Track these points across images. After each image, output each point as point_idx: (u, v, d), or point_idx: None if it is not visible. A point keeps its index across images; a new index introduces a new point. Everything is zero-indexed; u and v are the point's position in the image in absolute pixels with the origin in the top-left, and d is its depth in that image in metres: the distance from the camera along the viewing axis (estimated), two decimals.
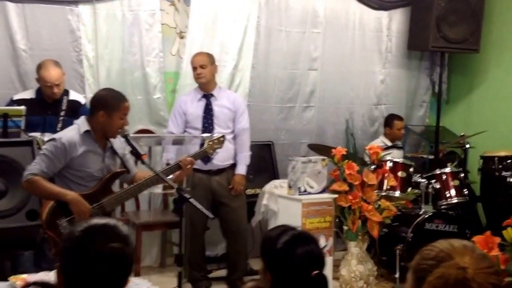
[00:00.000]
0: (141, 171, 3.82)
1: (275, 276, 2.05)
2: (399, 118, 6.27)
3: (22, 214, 3.78)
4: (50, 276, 2.81)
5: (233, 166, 4.94)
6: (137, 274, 4.91)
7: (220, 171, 4.87)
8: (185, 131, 4.84)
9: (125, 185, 3.82)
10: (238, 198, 4.95)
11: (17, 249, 4.05)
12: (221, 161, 4.84)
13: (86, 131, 3.47)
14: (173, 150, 4.86)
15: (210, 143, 3.85)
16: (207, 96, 4.89)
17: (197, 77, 4.85)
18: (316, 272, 2.02)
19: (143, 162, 3.50)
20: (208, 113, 4.86)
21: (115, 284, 1.67)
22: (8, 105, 4.48)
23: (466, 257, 1.51)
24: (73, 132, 3.49)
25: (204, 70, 4.83)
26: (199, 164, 4.73)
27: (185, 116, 4.87)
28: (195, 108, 4.86)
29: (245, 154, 4.94)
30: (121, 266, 1.66)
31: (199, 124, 4.83)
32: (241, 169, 4.90)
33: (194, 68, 4.85)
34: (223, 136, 3.95)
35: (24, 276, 2.89)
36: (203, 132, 4.78)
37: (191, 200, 3.22)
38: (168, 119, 5.04)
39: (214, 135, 3.94)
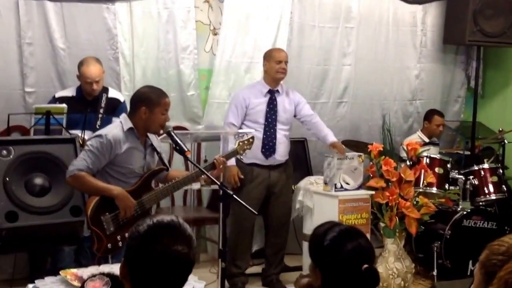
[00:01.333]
0: (173, 170, 3.87)
1: (325, 273, 2.05)
2: (440, 114, 6.17)
3: (66, 210, 3.84)
4: (101, 271, 2.86)
5: (287, 161, 4.99)
6: None
7: (278, 166, 4.92)
8: (243, 124, 4.87)
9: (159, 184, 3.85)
10: (287, 193, 4.98)
11: (61, 244, 4.12)
12: (280, 156, 4.90)
13: (130, 128, 3.51)
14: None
15: (240, 143, 3.90)
16: (273, 92, 4.92)
17: (279, 71, 4.86)
18: (366, 266, 2.01)
19: (187, 158, 3.52)
20: (272, 108, 4.89)
21: (177, 283, 1.69)
22: (50, 102, 4.56)
23: None
24: (117, 129, 3.53)
25: (286, 66, 4.88)
26: (259, 159, 4.81)
27: (246, 109, 4.87)
28: (260, 102, 4.88)
29: (329, 129, 4.95)
30: (183, 269, 1.68)
31: (261, 118, 4.86)
32: (333, 137, 4.88)
33: (279, 62, 4.86)
34: (252, 137, 3.99)
35: (74, 270, 2.93)
36: (266, 126, 4.83)
37: (235, 196, 3.22)
38: (228, 113, 4.96)
39: (244, 136, 3.95)
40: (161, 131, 3.57)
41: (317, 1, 5.88)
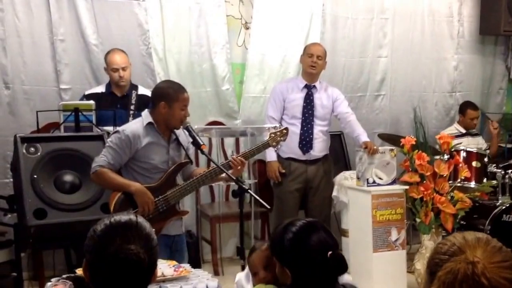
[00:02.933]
0: (199, 168, 3.85)
1: (293, 270, 2.06)
2: (474, 107, 5.94)
3: (97, 207, 3.86)
4: None
5: (327, 156, 4.96)
6: (215, 265, 4.96)
7: (316, 161, 4.89)
8: (282, 119, 4.86)
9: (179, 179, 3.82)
10: (327, 188, 4.94)
11: None
12: (318, 152, 4.88)
13: (149, 123, 3.50)
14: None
15: (273, 135, 3.77)
16: (309, 87, 4.87)
17: (310, 65, 4.84)
18: (331, 252, 2.02)
19: (202, 152, 3.49)
20: (309, 103, 4.86)
21: (135, 285, 1.66)
22: (81, 100, 4.60)
23: (478, 251, 1.44)
24: (137, 124, 3.53)
25: (320, 61, 4.85)
26: (296, 154, 4.77)
27: (284, 103, 4.86)
28: (296, 97, 4.86)
29: (363, 130, 4.85)
30: (136, 269, 1.64)
31: (298, 113, 4.84)
32: (366, 138, 4.76)
33: (310, 55, 4.84)
34: (286, 128, 3.89)
35: None
36: (303, 121, 4.81)
37: (250, 191, 3.18)
38: (268, 106, 4.99)
39: (277, 127, 3.86)
40: (181, 127, 3.54)
41: None
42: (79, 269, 2.91)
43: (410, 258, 4.76)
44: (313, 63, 4.81)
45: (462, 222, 4.67)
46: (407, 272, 4.63)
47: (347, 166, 5.62)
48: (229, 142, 5.45)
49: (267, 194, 4.88)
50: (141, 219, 1.71)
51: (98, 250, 1.63)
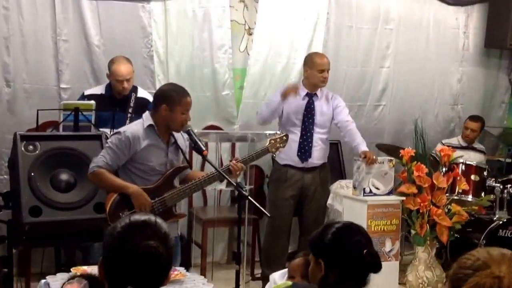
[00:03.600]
0: (193, 171, 3.84)
1: (328, 262, 2.12)
2: (474, 118, 5.89)
3: (90, 207, 3.87)
4: None
5: (324, 164, 4.94)
6: (203, 269, 4.96)
7: (313, 168, 4.87)
8: (280, 126, 4.86)
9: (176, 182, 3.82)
10: (323, 196, 4.94)
11: (85, 240, 4.15)
12: (316, 160, 4.86)
13: (150, 125, 3.50)
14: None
15: (272, 141, 3.76)
16: (311, 95, 4.87)
17: (322, 80, 4.80)
18: (366, 250, 2.12)
19: (204, 158, 3.49)
20: (309, 111, 4.85)
21: (151, 281, 1.68)
22: (80, 99, 4.60)
23: (503, 266, 1.46)
24: (137, 126, 3.53)
25: (328, 74, 4.82)
26: (294, 161, 4.78)
27: (284, 111, 4.83)
28: (297, 105, 4.84)
29: (362, 139, 4.80)
30: (155, 264, 1.67)
31: (298, 121, 4.83)
32: (365, 147, 4.73)
33: (321, 71, 4.78)
34: (286, 135, 3.88)
35: (85, 267, 2.95)
36: (302, 130, 4.81)
37: (250, 198, 3.18)
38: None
39: (277, 133, 3.86)
40: (181, 130, 3.54)
41: (354, 2, 5.78)
42: (73, 268, 2.94)
43: (402, 269, 4.76)
44: (324, 78, 4.79)
45: (456, 235, 4.67)
46: (399, 284, 4.63)
47: (343, 175, 5.62)
48: (225, 147, 5.46)
49: (259, 201, 4.87)
50: (159, 219, 1.74)
51: (117, 246, 1.66)
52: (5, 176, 4.79)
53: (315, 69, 4.79)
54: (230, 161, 3.67)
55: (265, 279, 4.88)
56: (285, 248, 4.97)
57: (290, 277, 2.72)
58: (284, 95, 4.67)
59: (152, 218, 1.74)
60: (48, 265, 4.62)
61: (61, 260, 4.42)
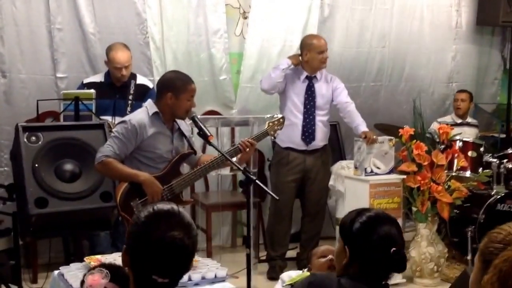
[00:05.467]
0: (205, 155, 3.84)
1: (353, 250, 2.06)
2: (460, 91, 6.02)
3: (96, 196, 3.89)
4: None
5: (325, 146, 4.96)
6: (209, 254, 5.00)
7: (315, 151, 4.89)
8: (284, 110, 4.83)
9: (186, 168, 3.83)
10: (325, 178, 4.96)
11: (92, 229, 4.17)
12: (319, 142, 4.87)
13: (155, 113, 3.51)
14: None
15: (271, 124, 3.79)
16: (310, 78, 4.87)
17: (322, 61, 4.80)
18: (394, 249, 2.01)
19: (210, 143, 3.49)
20: (310, 94, 4.85)
21: (177, 270, 1.71)
22: (79, 88, 4.60)
23: None
24: (142, 114, 3.53)
25: (327, 55, 4.82)
26: (296, 144, 4.80)
27: (285, 92, 4.84)
28: (298, 87, 4.84)
29: (362, 120, 4.84)
30: (181, 254, 1.69)
31: (300, 104, 4.83)
32: (365, 128, 4.77)
33: (321, 52, 4.78)
34: (283, 117, 3.91)
35: (99, 256, 2.96)
36: (305, 113, 4.80)
37: (257, 181, 3.19)
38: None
39: (274, 116, 3.88)
40: (186, 117, 3.55)
41: None
42: (87, 257, 2.95)
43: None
44: (324, 59, 4.79)
45: (456, 211, 4.73)
46: None
47: (342, 156, 5.66)
48: (224, 132, 5.45)
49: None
50: (182, 209, 1.76)
51: (143, 235, 1.68)
52: (5, 168, 4.77)
53: (314, 52, 4.78)
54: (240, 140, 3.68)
55: (270, 260, 4.94)
56: (288, 230, 5.00)
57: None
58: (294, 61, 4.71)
59: (176, 207, 1.75)
60: (55, 255, 4.62)
61: (69, 250, 4.42)
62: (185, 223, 1.72)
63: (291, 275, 2.92)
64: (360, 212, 2.11)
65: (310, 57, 4.79)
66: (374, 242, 2.02)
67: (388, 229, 2.04)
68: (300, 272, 2.98)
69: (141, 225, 1.70)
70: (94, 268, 1.99)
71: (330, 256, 2.72)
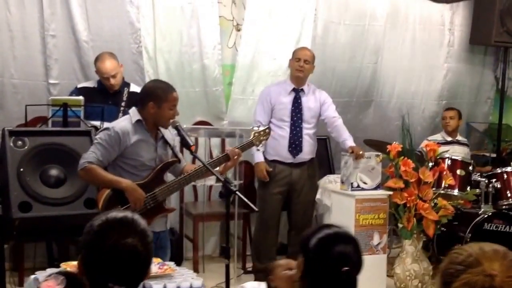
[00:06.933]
0: (189, 164, 3.85)
1: (306, 263, 2.05)
2: (448, 108, 6.04)
3: (80, 202, 3.88)
4: None
5: (312, 160, 4.98)
6: (195, 263, 5.00)
7: (301, 164, 4.91)
8: (270, 122, 4.87)
9: (170, 176, 3.84)
10: (311, 191, 4.97)
11: (75, 236, 4.15)
12: (306, 154, 4.90)
13: (138, 121, 3.52)
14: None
15: (257, 134, 3.81)
16: (297, 90, 4.91)
17: (297, 69, 4.86)
18: (346, 268, 1.99)
19: (192, 153, 3.51)
20: (297, 107, 4.88)
21: (131, 278, 1.72)
22: (73, 93, 4.63)
23: (496, 264, 1.42)
24: (125, 122, 3.54)
25: (307, 65, 4.87)
26: (282, 157, 4.84)
27: (271, 106, 4.89)
28: (284, 100, 4.88)
29: (349, 135, 4.87)
30: (135, 261, 1.70)
31: (286, 117, 4.86)
32: (352, 143, 4.79)
33: (298, 60, 4.86)
34: (268, 128, 3.93)
35: (75, 262, 2.94)
36: (291, 125, 4.84)
37: (238, 192, 3.20)
38: (256, 110, 4.99)
39: (260, 127, 3.90)
40: (169, 126, 3.56)
41: None
42: (64, 263, 2.94)
43: (390, 262, 4.82)
44: (299, 67, 4.84)
45: (443, 228, 4.73)
46: (387, 276, 4.69)
47: (331, 170, 5.67)
48: (214, 143, 5.48)
49: (251, 196, 4.92)
50: (136, 216, 1.76)
51: (95, 244, 1.69)
52: None
53: (293, 59, 4.91)
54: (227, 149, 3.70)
55: (256, 272, 4.93)
56: (274, 242, 5.01)
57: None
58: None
59: (129, 215, 1.76)
60: (41, 260, 4.63)
61: (53, 255, 4.41)
62: (139, 231, 1.72)
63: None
64: (320, 227, 2.11)
65: (290, 65, 4.92)
66: (326, 260, 2.00)
67: (343, 249, 2.02)
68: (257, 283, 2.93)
69: (93, 234, 1.71)
70: (50, 275, 1.99)
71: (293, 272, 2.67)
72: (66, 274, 1.84)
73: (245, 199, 3.18)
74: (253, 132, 3.82)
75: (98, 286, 1.69)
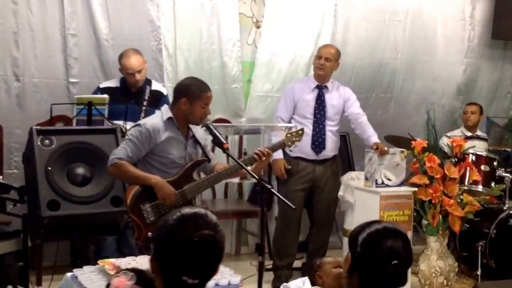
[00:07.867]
0: (220, 163, 3.83)
1: (354, 258, 2.06)
2: (470, 103, 6.01)
3: (107, 200, 3.88)
4: (138, 261, 2.87)
5: (335, 156, 4.97)
6: None
7: (324, 161, 4.89)
8: (292, 118, 4.86)
9: (202, 175, 3.82)
10: (334, 188, 4.95)
11: (101, 234, 4.17)
12: (329, 151, 4.88)
13: (169, 118, 3.51)
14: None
15: (289, 135, 3.79)
16: (321, 87, 4.89)
17: (318, 67, 4.84)
18: (395, 262, 1.99)
19: (224, 151, 3.47)
20: (320, 104, 4.86)
21: (207, 270, 1.72)
22: (95, 93, 4.62)
23: None
24: (157, 119, 3.54)
25: (328, 63, 4.83)
26: (306, 154, 4.80)
27: (294, 102, 4.87)
28: (308, 97, 4.86)
29: (374, 131, 4.85)
30: (212, 252, 1.71)
31: (309, 114, 4.83)
32: (377, 139, 4.78)
33: (319, 57, 4.84)
34: (302, 130, 3.90)
35: (112, 260, 2.95)
36: (314, 122, 4.81)
37: (273, 190, 3.17)
38: (279, 106, 4.96)
39: (293, 127, 3.87)
40: (200, 124, 3.54)
41: None
42: (101, 260, 2.93)
43: (414, 259, 4.78)
44: (320, 65, 4.82)
45: (466, 225, 4.70)
46: (411, 274, 4.66)
47: (351, 167, 5.65)
48: (230, 140, 5.46)
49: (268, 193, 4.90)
50: (208, 211, 1.78)
51: (171, 237, 1.68)
52: (15, 171, 4.80)
53: (316, 56, 4.91)
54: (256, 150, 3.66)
55: (276, 269, 4.91)
56: (295, 240, 4.99)
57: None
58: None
59: (202, 209, 1.77)
60: (60, 258, 4.61)
61: (76, 254, 4.41)
62: (213, 224, 1.74)
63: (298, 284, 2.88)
64: (370, 223, 2.11)
65: (313, 61, 4.93)
66: (375, 255, 2.01)
67: (392, 243, 2.03)
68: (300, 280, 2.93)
69: (169, 227, 1.71)
70: (118, 272, 2.00)
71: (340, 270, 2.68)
72: (134, 270, 1.84)
73: (281, 197, 3.17)
74: (285, 133, 3.79)
75: (172, 281, 1.69)
